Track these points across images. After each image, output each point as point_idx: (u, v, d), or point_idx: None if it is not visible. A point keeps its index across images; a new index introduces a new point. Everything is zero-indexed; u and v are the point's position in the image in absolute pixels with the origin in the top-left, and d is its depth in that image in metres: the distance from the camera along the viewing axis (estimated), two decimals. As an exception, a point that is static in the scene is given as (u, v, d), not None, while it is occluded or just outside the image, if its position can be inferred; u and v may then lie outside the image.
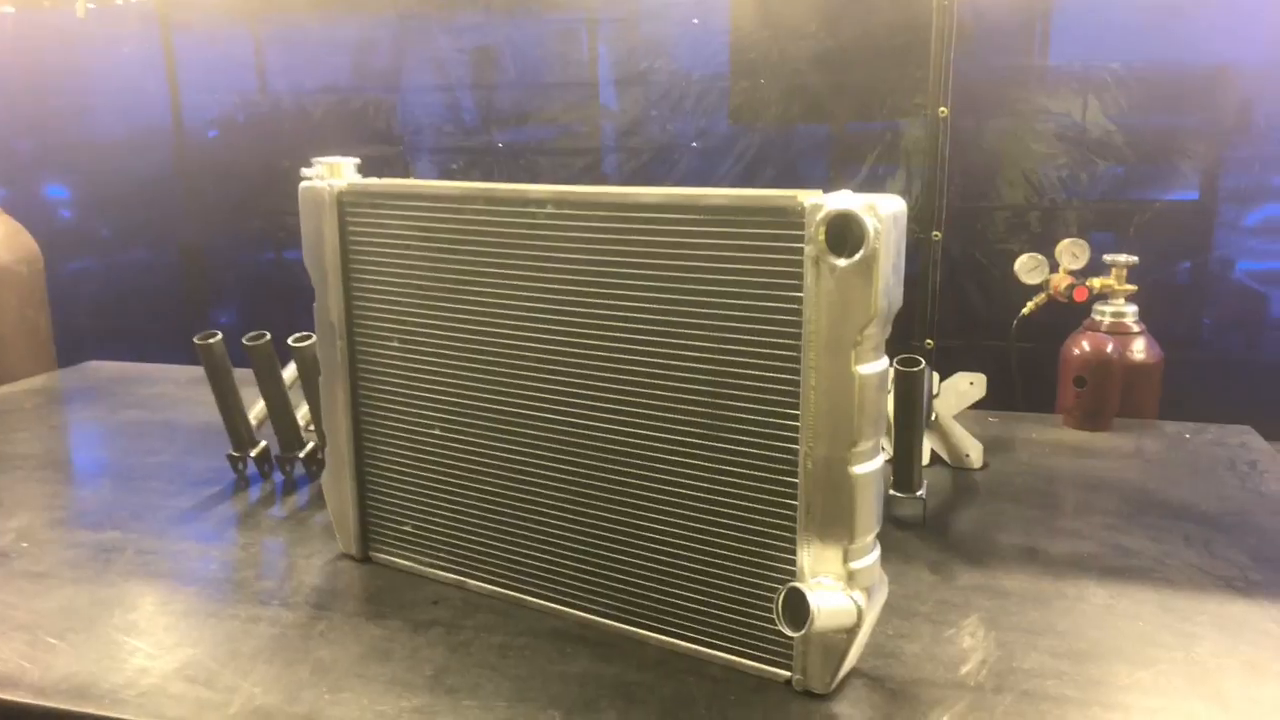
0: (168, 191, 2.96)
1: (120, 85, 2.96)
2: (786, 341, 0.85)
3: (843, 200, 0.80)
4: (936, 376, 1.49)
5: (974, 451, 1.51)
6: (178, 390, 2.01)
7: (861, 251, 0.79)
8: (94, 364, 2.23)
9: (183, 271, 3.04)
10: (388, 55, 2.69)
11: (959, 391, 1.50)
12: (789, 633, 0.84)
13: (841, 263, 0.80)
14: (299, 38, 2.77)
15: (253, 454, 1.46)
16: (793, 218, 0.82)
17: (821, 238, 0.80)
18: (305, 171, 1.12)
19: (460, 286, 1.04)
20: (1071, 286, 1.77)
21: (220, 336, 1.41)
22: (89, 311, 3.06)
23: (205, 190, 2.94)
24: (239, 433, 1.45)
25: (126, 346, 2.32)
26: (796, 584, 0.84)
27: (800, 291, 0.83)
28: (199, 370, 2.14)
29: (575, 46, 2.53)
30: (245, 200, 2.90)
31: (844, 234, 0.79)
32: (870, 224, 0.78)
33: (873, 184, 2.32)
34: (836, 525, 0.86)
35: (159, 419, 1.81)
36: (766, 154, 2.40)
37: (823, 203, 0.81)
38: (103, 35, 2.92)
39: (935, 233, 2.21)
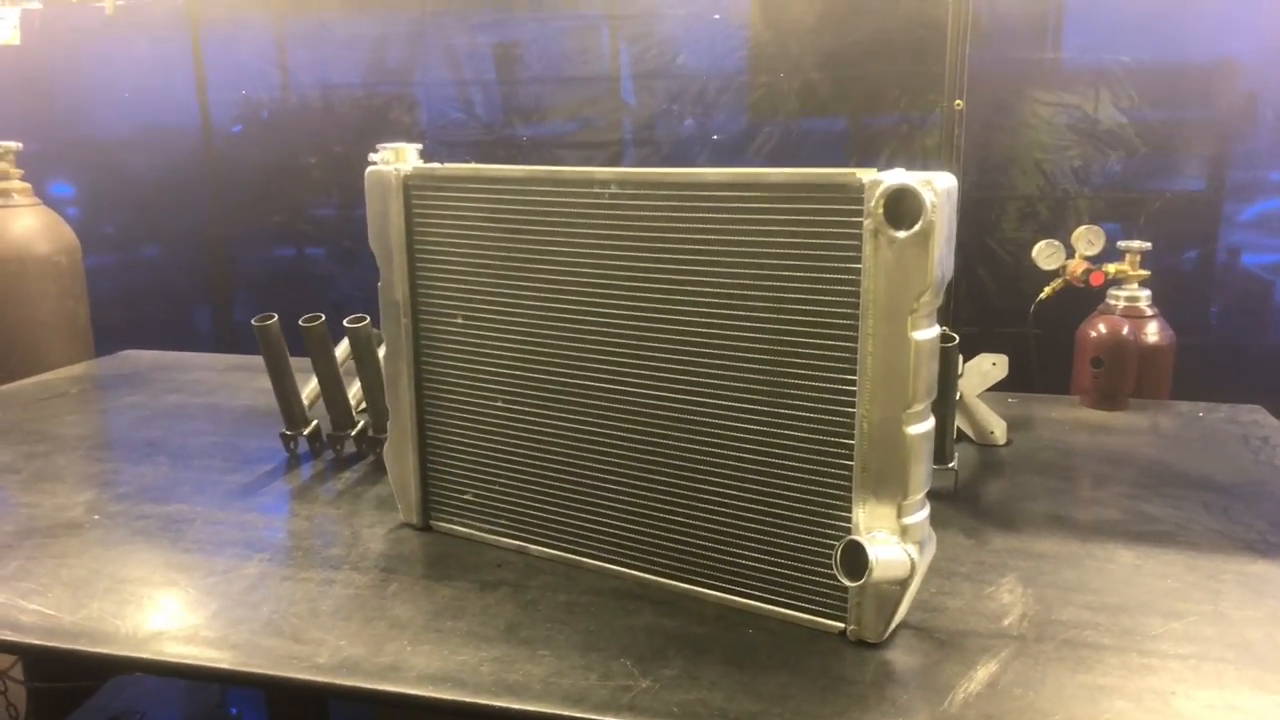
0: (193, 186, 3.01)
1: (146, 82, 3.01)
2: (845, 309, 0.91)
3: (900, 176, 0.86)
4: (960, 358, 1.55)
5: (998, 429, 1.57)
6: (215, 376, 2.06)
7: (919, 224, 0.85)
8: (130, 352, 2.28)
9: (205, 265, 3.09)
10: (411, 51, 2.75)
11: (982, 372, 1.57)
12: (847, 583, 0.90)
13: (901, 234, 0.86)
14: (323, 34, 2.82)
15: (305, 432, 1.51)
16: (852, 194, 0.88)
17: (881, 211, 0.86)
18: (372, 157, 1.18)
19: (525, 265, 1.10)
20: (1088, 271, 1.83)
21: (276, 318, 1.46)
22: (115, 304, 3.11)
23: (229, 185, 2.99)
24: (292, 411, 1.50)
25: (151, 339, 2.35)
26: (855, 537, 0.90)
27: (859, 263, 0.89)
28: (234, 357, 2.22)
29: (596, 42, 2.59)
30: (268, 195, 2.95)
31: (902, 207, 0.85)
32: (928, 198, 0.84)
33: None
34: (891, 483, 0.91)
35: (203, 403, 1.86)
36: (785, 147, 2.46)
37: (881, 179, 0.86)
38: (129, 32, 2.97)
39: (951, 222, 2.27)
